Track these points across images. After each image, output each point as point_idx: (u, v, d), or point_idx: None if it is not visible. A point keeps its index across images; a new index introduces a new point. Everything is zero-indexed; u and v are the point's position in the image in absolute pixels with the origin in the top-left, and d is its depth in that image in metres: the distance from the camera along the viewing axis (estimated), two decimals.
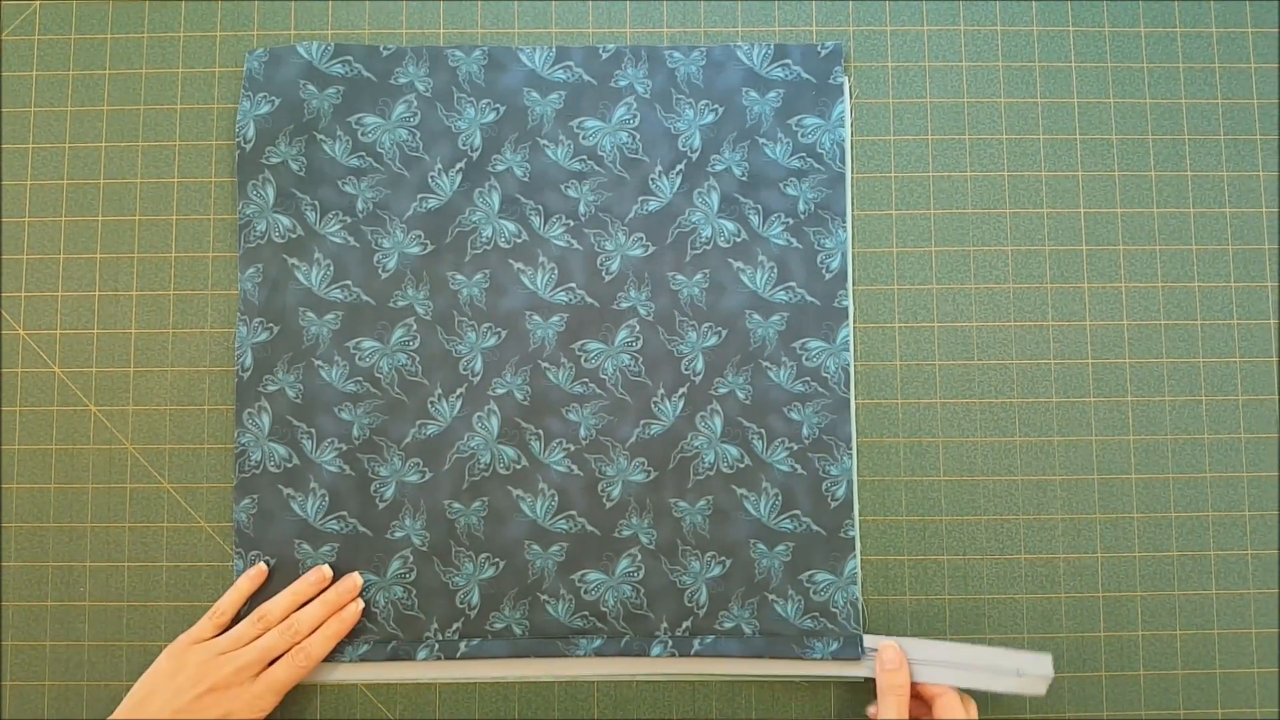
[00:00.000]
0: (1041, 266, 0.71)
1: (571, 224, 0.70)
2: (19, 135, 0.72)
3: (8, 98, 0.72)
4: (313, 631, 0.67)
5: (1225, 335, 0.70)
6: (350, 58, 0.71)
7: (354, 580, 0.68)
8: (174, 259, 0.71)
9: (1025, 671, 0.67)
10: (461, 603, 0.68)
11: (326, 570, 0.68)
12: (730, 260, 0.70)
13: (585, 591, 0.68)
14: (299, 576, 0.68)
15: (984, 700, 0.68)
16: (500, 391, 0.69)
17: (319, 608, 0.67)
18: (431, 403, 0.69)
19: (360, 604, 0.68)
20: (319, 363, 0.69)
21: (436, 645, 0.68)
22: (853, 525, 0.68)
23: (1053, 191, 0.71)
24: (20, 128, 0.72)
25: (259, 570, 0.68)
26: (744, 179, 0.70)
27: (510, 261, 0.70)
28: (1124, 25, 0.73)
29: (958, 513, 0.70)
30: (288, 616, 0.67)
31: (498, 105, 0.71)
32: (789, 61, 0.71)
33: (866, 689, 0.68)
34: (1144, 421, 0.70)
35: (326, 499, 0.69)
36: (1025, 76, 0.72)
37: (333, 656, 0.68)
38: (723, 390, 0.69)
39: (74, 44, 0.73)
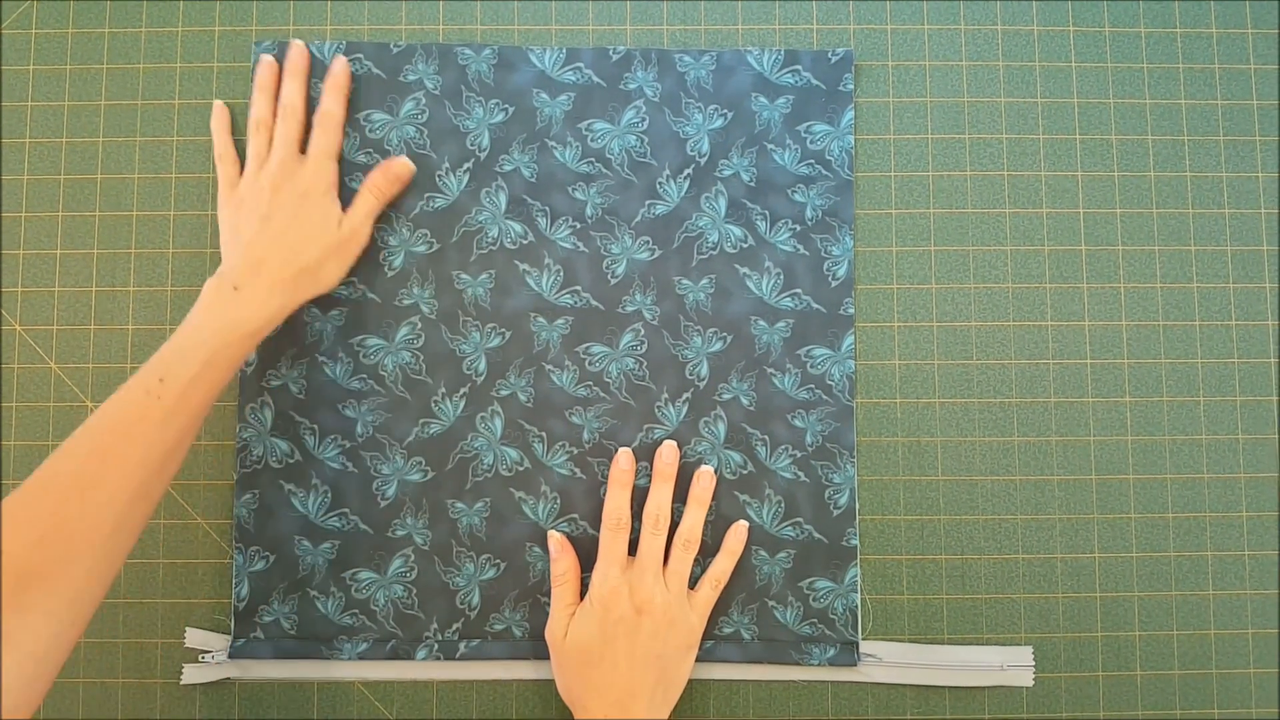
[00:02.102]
0: (1040, 266, 0.71)
1: (578, 226, 0.70)
2: (16, 130, 0.71)
3: (5, 92, 0.72)
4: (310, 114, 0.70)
5: (1224, 336, 0.71)
6: (360, 55, 0.71)
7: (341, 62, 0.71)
8: (171, 255, 0.71)
9: (1009, 664, 0.68)
10: (462, 603, 0.68)
11: (285, 65, 0.71)
12: (736, 266, 0.70)
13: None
14: (299, 573, 0.68)
15: (983, 699, 0.68)
16: (504, 392, 0.69)
17: (295, 81, 0.70)
18: (435, 402, 0.69)
19: (342, 61, 0.71)
20: (323, 359, 0.69)
21: (436, 645, 0.68)
22: (855, 533, 0.68)
23: (1052, 191, 0.72)
24: (17, 122, 0.71)
25: (219, 109, 0.71)
26: (752, 184, 0.70)
27: (516, 262, 0.70)
28: (1124, 25, 0.73)
29: (956, 512, 0.70)
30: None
31: (506, 105, 0.71)
32: (799, 67, 0.71)
33: (863, 692, 0.69)
34: (1142, 422, 0.70)
35: (328, 495, 0.68)
36: (1025, 76, 0.72)
37: (331, 654, 0.67)
38: (727, 396, 0.69)
39: (71, 38, 0.72)
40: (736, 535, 0.68)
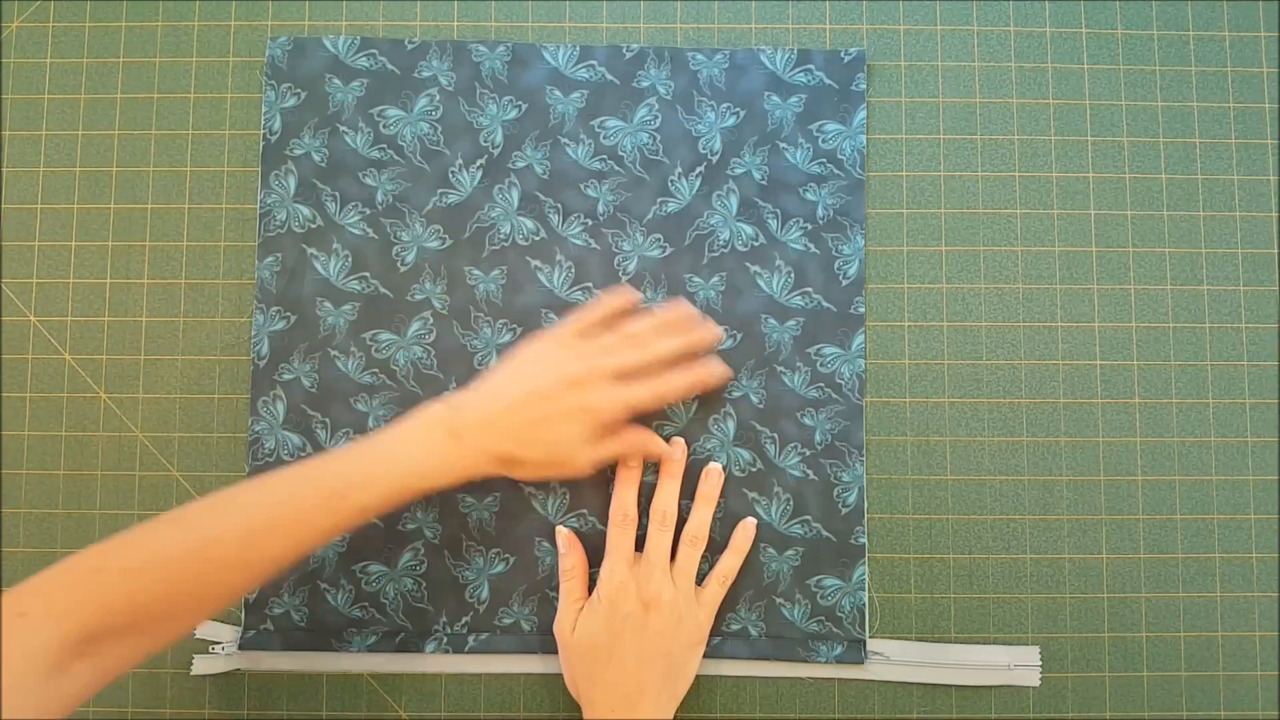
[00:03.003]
0: (1051, 267, 0.71)
1: (590, 223, 0.70)
2: (32, 122, 0.72)
3: (22, 85, 0.72)
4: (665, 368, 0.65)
5: (1233, 338, 0.71)
6: (375, 51, 0.71)
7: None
8: (186, 247, 0.71)
9: (1016, 664, 0.68)
10: (471, 597, 0.68)
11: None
12: (747, 264, 0.70)
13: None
14: (309, 565, 0.68)
15: (989, 698, 0.69)
16: None
17: (678, 342, 0.65)
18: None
19: (727, 371, 0.68)
20: (335, 353, 0.69)
21: (445, 639, 0.68)
22: (863, 532, 0.69)
23: (1063, 193, 0.72)
24: (34, 115, 0.72)
25: (633, 292, 0.68)
26: (763, 183, 0.70)
27: (528, 259, 0.70)
28: (1137, 28, 0.73)
29: (964, 512, 0.70)
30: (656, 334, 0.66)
31: (520, 102, 0.71)
32: (812, 67, 0.71)
33: (870, 689, 0.69)
34: (1151, 423, 0.70)
35: None
36: (1038, 77, 0.72)
37: (341, 647, 0.68)
38: (736, 394, 0.69)
39: (88, 31, 0.72)
40: (744, 532, 0.68)
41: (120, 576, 0.52)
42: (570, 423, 0.61)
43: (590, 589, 0.67)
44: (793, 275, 0.70)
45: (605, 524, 0.68)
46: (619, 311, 0.67)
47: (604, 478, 0.69)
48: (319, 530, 0.57)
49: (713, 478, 0.68)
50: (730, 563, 0.67)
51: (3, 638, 0.49)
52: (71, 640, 0.50)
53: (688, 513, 0.68)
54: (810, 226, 0.70)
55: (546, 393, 0.61)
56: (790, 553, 0.69)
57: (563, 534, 0.68)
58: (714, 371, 0.66)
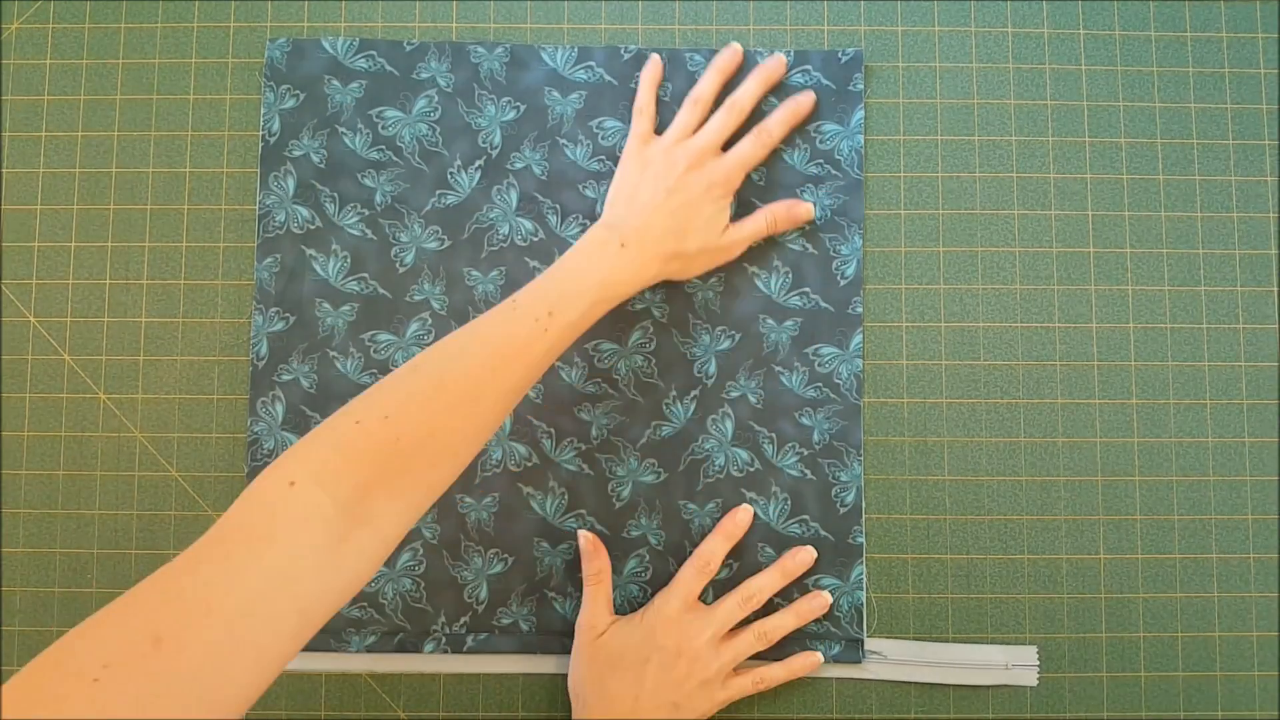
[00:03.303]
0: (1049, 268, 0.71)
1: (588, 224, 0.70)
2: (32, 123, 0.72)
3: (21, 86, 0.72)
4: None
5: (1230, 339, 0.71)
6: (374, 52, 0.71)
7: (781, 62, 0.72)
8: (185, 248, 0.71)
9: (1014, 664, 0.68)
10: (469, 597, 0.68)
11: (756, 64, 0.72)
12: (745, 264, 0.70)
13: None
14: None
15: (987, 698, 0.69)
16: None
17: (755, 85, 0.70)
18: None
19: (811, 95, 0.71)
20: (334, 354, 0.70)
21: (444, 639, 0.68)
22: (861, 532, 0.69)
23: (1061, 194, 0.72)
24: (33, 116, 0.72)
25: (656, 61, 0.71)
26: (761, 183, 0.70)
27: (526, 259, 0.70)
28: (1134, 29, 0.73)
29: (962, 512, 0.70)
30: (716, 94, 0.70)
31: (518, 103, 0.71)
32: (809, 68, 0.71)
33: (868, 689, 0.69)
34: (1149, 424, 0.70)
35: None
36: (1035, 79, 0.72)
37: (339, 647, 0.68)
38: (735, 394, 0.70)
39: (87, 33, 0.73)
40: (806, 658, 0.68)
41: (382, 424, 0.52)
42: (705, 204, 0.66)
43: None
44: (790, 276, 0.70)
45: (604, 524, 0.68)
46: (660, 83, 0.71)
47: (604, 478, 0.69)
48: (542, 352, 0.59)
49: (801, 555, 0.69)
50: (779, 622, 0.67)
51: (276, 512, 0.47)
52: (350, 503, 0.49)
53: (690, 514, 0.69)
54: (808, 227, 0.70)
55: (672, 187, 0.66)
56: (788, 553, 0.69)
57: (586, 538, 0.68)
58: (801, 101, 0.70)
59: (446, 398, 0.54)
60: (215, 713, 0.41)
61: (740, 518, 0.68)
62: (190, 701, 0.40)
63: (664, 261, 0.64)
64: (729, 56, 0.70)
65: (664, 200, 0.65)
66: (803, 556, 0.68)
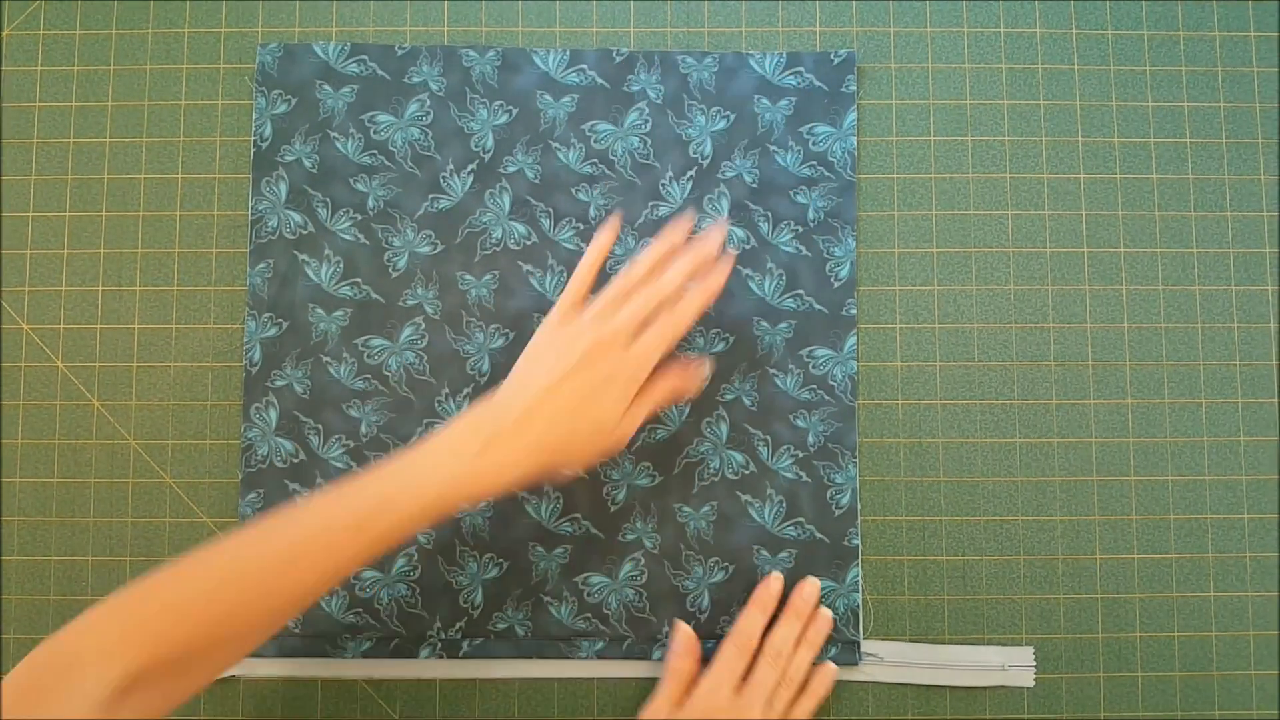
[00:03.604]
0: (1043, 268, 0.71)
1: (582, 227, 0.70)
2: (23, 130, 0.72)
3: (12, 92, 0.72)
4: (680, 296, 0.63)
5: (1225, 338, 0.71)
6: (365, 57, 0.71)
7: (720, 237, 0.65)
8: (178, 254, 0.71)
9: (1011, 665, 0.68)
10: (465, 602, 0.68)
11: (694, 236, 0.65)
12: (739, 267, 0.70)
13: (588, 594, 0.68)
14: None
15: (984, 699, 0.69)
16: None
17: (685, 267, 0.63)
18: (439, 402, 0.69)
19: (725, 273, 0.64)
20: (327, 359, 0.70)
21: (439, 644, 0.68)
22: (856, 534, 0.69)
23: (1054, 194, 0.72)
24: (24, 123, 0.72)
25: (613, 227, 0.65)
26: (754, 186, 0.70)
27: (519, 263, 0.70)
28: (1127, 28, 0.73)
29: (957, 513, 0.70)
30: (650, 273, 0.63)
31: (510, 107, 0.71)
32: (801, 69, 0.71)
33: (864, 691, 0.69)
34: (1143, 424, 0.70)
35: None
36: (1028, 78, 0.72)
37: (335, 652, 0.68)
38: (729, 396, 0.69)
39: (79, 39, 0.72)
40: (822, 677, 0.68)
41: (165, 612, 0.52)
42: (603, 395, 0.60)
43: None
44: (784, 278, 0.70)
45: (598, 528, 0.68)
46: (601, 264, 0.65)
47: (599, 482, 0.69)
48: (351, 555, 0.56)
49: (821, 623, 0.68)
50: (800, 661, 0.67)
51: (57, 679, 0.49)
52: (123, 679, 0.49)
53: (685, 517, 0.69)
54: (801, 229, 0.70)
55: (569, 372, 0.60)
56: (783, 555, 0.69)
57: (684, 633, 0.67)
58: (714, 282, 0.63)
59: (239, 593, 0.54)
60: None
61: (774, 588, 0.68)
62: None
63: (542, 455, 0.59)
64: (669, 243, 0.64)
65: (555, 391, 0.60)
66: (809, 591, 0.68)
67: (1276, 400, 0.70)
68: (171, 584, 0.53)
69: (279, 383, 0.69)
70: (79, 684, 0.49)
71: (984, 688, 0.69)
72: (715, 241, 0.64)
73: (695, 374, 0.65)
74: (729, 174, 0.70)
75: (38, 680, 0.49)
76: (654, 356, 0.61)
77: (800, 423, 0.69)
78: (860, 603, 0.69)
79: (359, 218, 0.70)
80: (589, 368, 0.60)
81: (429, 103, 0.71)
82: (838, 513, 0.69)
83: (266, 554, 0.55)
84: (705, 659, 0.67)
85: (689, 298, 0.63)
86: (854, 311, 0.70)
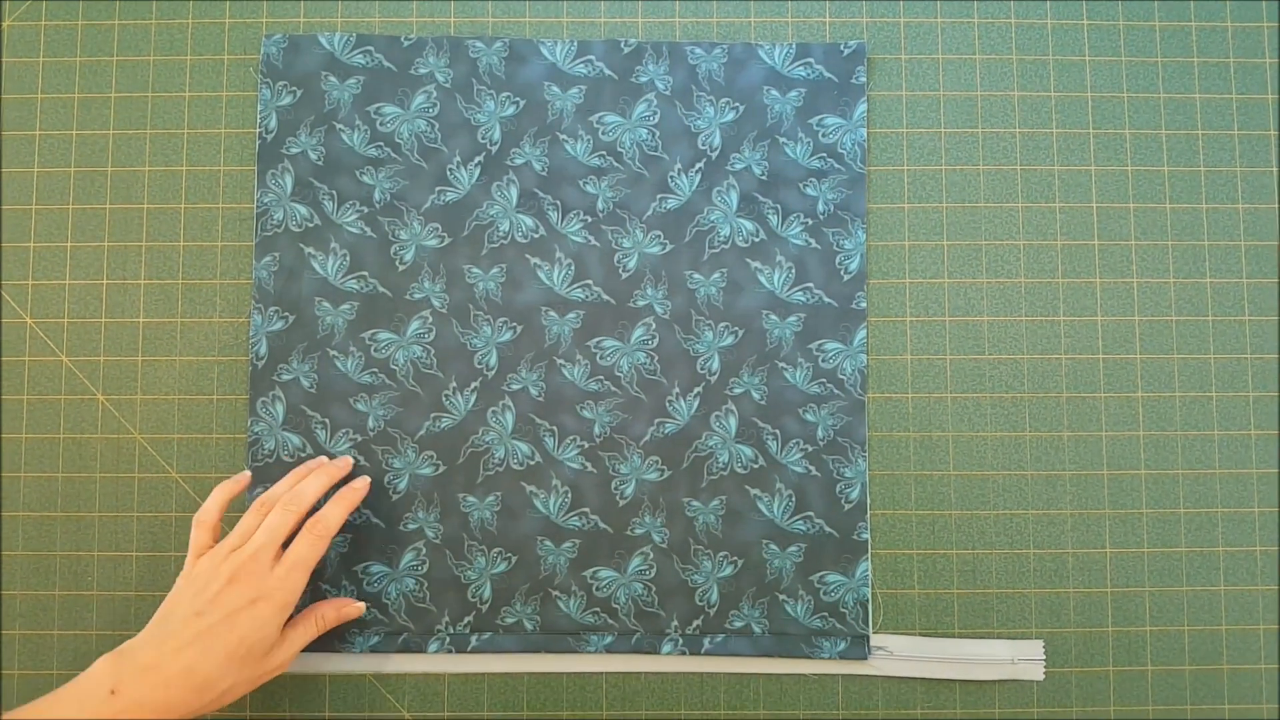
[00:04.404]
0: (1053, 261, 0.71)
1: (589, 220, 0.70)
2: (26, 122, 0.71)
3: (15, 84, 0.72)
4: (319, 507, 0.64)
5: (1236, 331, 0.70)
6: (371, 48, 0.71)
7: (349, 463, 0.68)
8: (182, 248, 0.71)
9: (1020, 658, 0.68)
10: (473, 596, 0.68)
11: (322, 459, 0.68)
12: (748, 260, 0.70)
13: (597, 588, 0.68)
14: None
15: (993, 693, 0.68)
16: (515, 387, 0.69)
17: (319, 478, 0.64)
18: (446, 396, 0.69)
19: (367, 479, 0.67)
20: (334, 353, 0.69)
21: (447, 638, 0.68)
22: (866, 528, 0.68)
23: (1065, 186, 0.71)
24: (27, 114, 0.71)
25: (240, 476, 0.66)
26: (763, 178, 0.70)
27: (527, 256, 0.70)
28: (1138, 19, 0.72)
29: (967, 507, 0.70)
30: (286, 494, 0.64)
31: (518, 99, 0.70)
32: (811, 60, 0.71)
33: (873, 685, 0.69)
34: (1154, 417, 0.70)
35: None
36: (1039, 70, 0.72)
37: (343, 647, 0.67)
38: (738, 390, 0.69)
39: (81, 30, 0.72)
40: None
41: None
42: (252, 617, 0.58)
43: None
44: (794, 271, 0.70)
45: (607, 522, 0.68)
46: (238, 495, 0.66)
47: (607, 476, 0.69)
48: None
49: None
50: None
51: None
52: None
53: (694, 511, 0.69)
54: (811, 222, 0.70)
55: (212, 598, 0.58)
56: (793, 549, 0.68)
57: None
58: (360, 484, 0.66)
59: None
60: None
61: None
62: None
63: (190, 685, 0.56)
64: (340, 468, 0.67)
65: (193, 623, 0.57)
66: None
67: None
68: None
69: (285, 377, 0.69)
70: None
71: (993, 681, 0.68)
72: (348, 463, 0.67)
73: (350, 606, 0.66)
74: (738, 166, 0.70)
75: None
76: (304, 570, 0.61)
77: (809, 417, 0.69)
78: (870, 597, 0.68)
79: (365, 210, 0.70)
80: (232, 590, 0.59)
81: (435, 94, 0.71)
82: (847, 507, 0.69)
83: None
84: (711, 652, 0.67)
85: (331, 503, 0.64)
86: (864, 305, 0.70)
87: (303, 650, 0.64)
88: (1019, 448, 0.70)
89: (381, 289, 0.70)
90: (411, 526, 0.68)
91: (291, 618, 0.63)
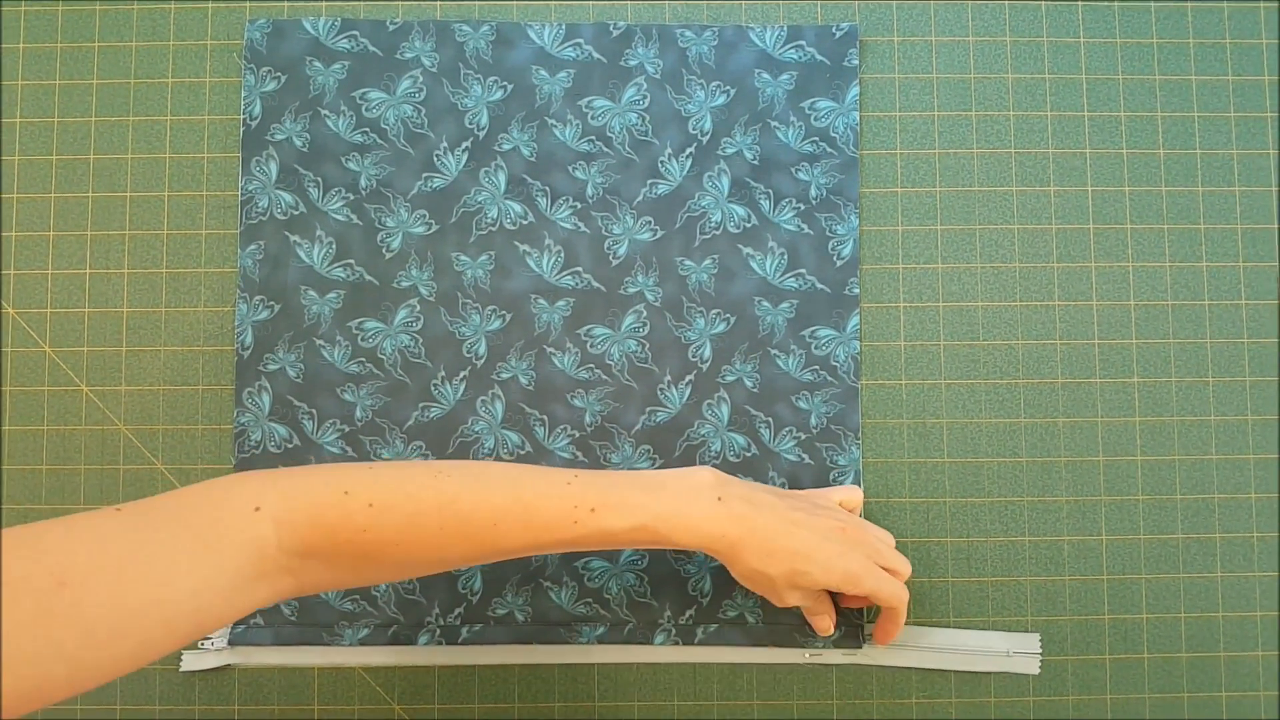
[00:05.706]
0: (1048, 245, 0.70)
1: (579, 206, 0.69)
2: (7, 109, 0.70)
3: None
4: None
5: (1233, 316, 0.70)
6: (356, 32, 0.70)
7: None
8: (166, 236, 0.70)
9: (1016, 651, 0.68)
10: (464, 588, 0.68)
11: None
12: (740, 246, 0.69)
13: (589, 579, 0.68)
14: None
15: (988, 682, 0.68)
16: (504, 375, 0.68)
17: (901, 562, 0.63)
18: (435, 385, 0.68)
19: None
20: (320, 342, 0.68)
21: (438, 630, 0.67)
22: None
23: (1060, 169, 0.71)
24: (8, 101, 0.70)
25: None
26: (755, 163, 0.69)
27: (516, 243, 0.69)
28: (1133, 0, 0.72)
29: (961, 494, 0.69)
30: None
31: (505, 83, 0.70)
32: (802, 43, 0.70)
33: (867, 674, 0.68)
34: (1150, 403, 0.70)
35: None
36: (1033, 52, 0.71)
37: (333, 640, 0.67)
38: (730, 378, 0.69)
39: (61, 15, 0.71)
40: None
41: (363, 511, 0.52)
42: (828, 540, 0.58)
43: None
44: (786, 257, 0.69)
45: None
46: None
47: (597, 465, 0.68)
48: (557, 536, 0.55)
49: None
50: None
51: (228, 530, 0.48)
52: (291, 554, 0.50)
53: None
54: (803, 206, 0.69)
55: (816, 510, 0.60)
56: None
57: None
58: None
59: (436, 521, 0.53)
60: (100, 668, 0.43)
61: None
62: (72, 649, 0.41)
63: (741, 530, 0.57)
64: None
65: (793, 505, 0.60)
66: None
67: None
68: (383, 484, 0.53)
69: (272, 366, 0.68)
70: (251, 537, 0.49)
71: (988, 672, 0.68)
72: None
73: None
74: (729, 150, 0.69)
75: (219, 520, 0.49)
76: (874, 596, 0.60)
77: (802, 404, 0.68)
78: None
79: (351, 197, 0.69)
80: (840, 531, 0.60)
81: (422, 79, 0.70)
82: None
83: (483, 500, 0.54)
84: (704, 642, 0.67)
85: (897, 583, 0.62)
86: (857, 290, 0.69)
87: (301, 645, 0.66)
88: (1014, 434, 0.69)
89: (368, 277, 0.69)
90: None
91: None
